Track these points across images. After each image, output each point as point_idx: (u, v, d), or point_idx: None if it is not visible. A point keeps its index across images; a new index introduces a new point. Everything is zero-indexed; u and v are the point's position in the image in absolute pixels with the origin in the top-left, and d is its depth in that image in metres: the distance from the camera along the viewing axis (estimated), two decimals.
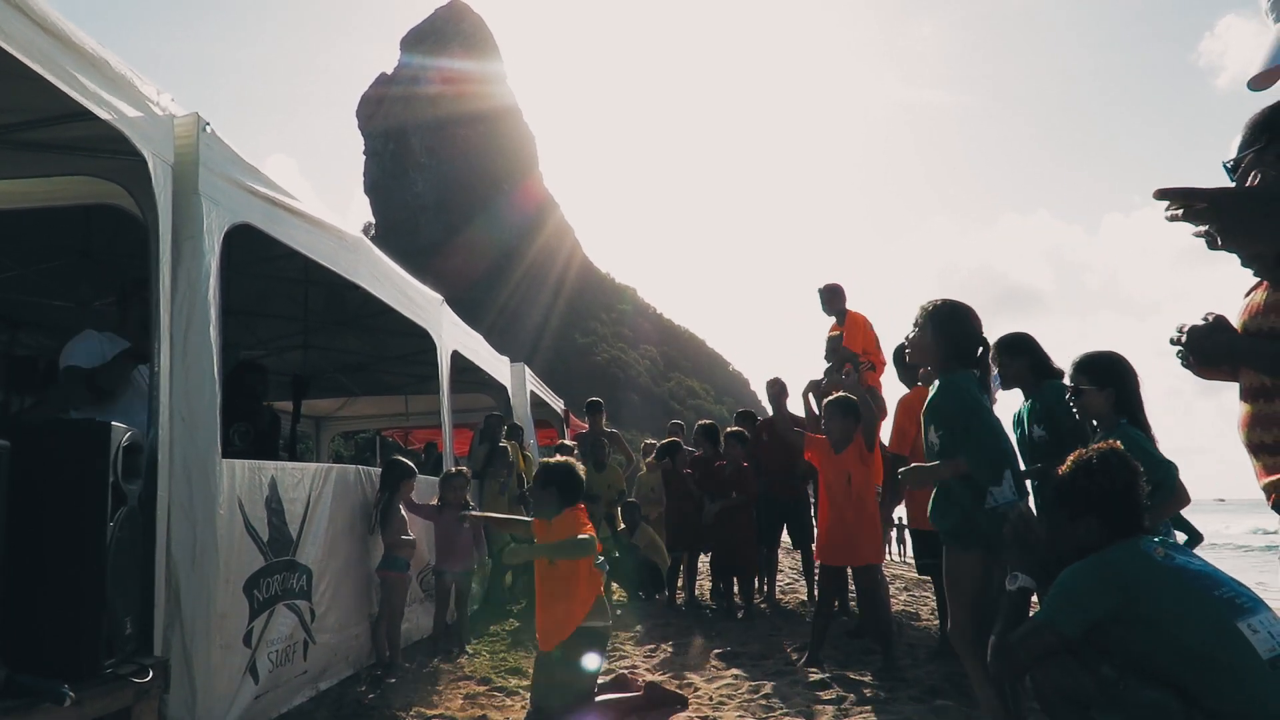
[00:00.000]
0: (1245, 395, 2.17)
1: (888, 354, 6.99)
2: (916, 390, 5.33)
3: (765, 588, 7.74)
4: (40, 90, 2.83)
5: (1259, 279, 2.16)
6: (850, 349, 6.30)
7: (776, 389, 5.54)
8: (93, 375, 3.57)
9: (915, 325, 3.42)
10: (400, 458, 5.79)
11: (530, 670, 4.76)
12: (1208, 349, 2.10)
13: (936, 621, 6.07)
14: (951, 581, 3.33)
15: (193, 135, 3.55)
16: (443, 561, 5.79)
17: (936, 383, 3.39)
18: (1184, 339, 2.11)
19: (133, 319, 3.79)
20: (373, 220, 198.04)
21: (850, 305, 7.15)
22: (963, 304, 3.39)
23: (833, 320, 7.13)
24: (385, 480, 5.26)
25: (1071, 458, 2.52)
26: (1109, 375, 3.32)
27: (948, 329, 3.32)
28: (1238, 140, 2.14)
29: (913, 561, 8.38)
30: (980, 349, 3.38)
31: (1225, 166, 2.18)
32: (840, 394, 5.24)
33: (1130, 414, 3.29)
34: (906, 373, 5.48)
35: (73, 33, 2.87)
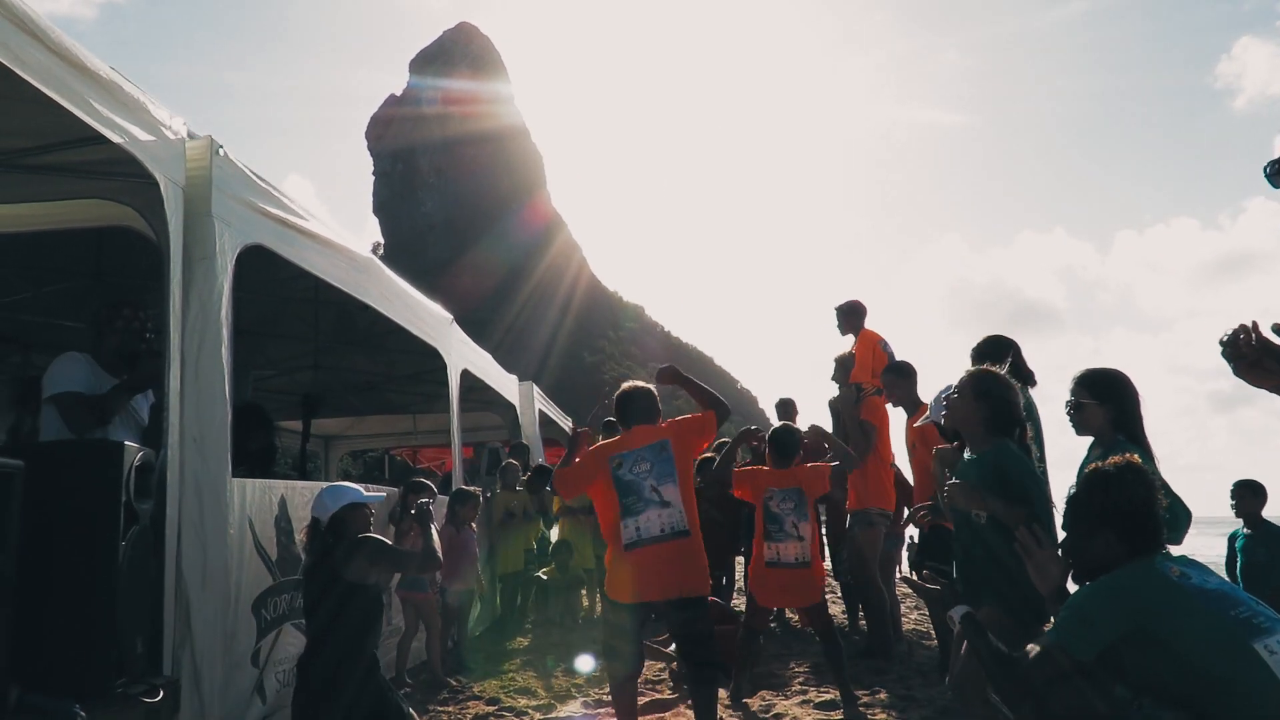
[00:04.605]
0: None
1: None
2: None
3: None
4: (54, 114, 2.86)
5: None
6: (859, 377, 6.16)
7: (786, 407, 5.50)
8: (99, 402, 3.44)
9: (955, 391, 3.22)
10: (422, 479, 5.78)
11: (539, 690, 4.74)
12: (1256, 372, 2.11)
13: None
14: None
15: (205, 158, 3.58)
16: (444, 581, 5.73)
17: (983, 452, 3.10)
18: (1241, 347, 2.12)
19: (108, 346, 3.62)
20: (381, 240, 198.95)
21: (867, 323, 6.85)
22: (1001, 374, 3.16)
23: (849, 339, 6.88)
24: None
25: (1087, 472, 2.46)
26: (1109, 391, 3.24)
27: (988, 397, 3.11)
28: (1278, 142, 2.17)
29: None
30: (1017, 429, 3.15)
31: (1265, 171, 2.19)
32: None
33: (1129, 431, 3.22)
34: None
35: (86, 58, 2.91)
